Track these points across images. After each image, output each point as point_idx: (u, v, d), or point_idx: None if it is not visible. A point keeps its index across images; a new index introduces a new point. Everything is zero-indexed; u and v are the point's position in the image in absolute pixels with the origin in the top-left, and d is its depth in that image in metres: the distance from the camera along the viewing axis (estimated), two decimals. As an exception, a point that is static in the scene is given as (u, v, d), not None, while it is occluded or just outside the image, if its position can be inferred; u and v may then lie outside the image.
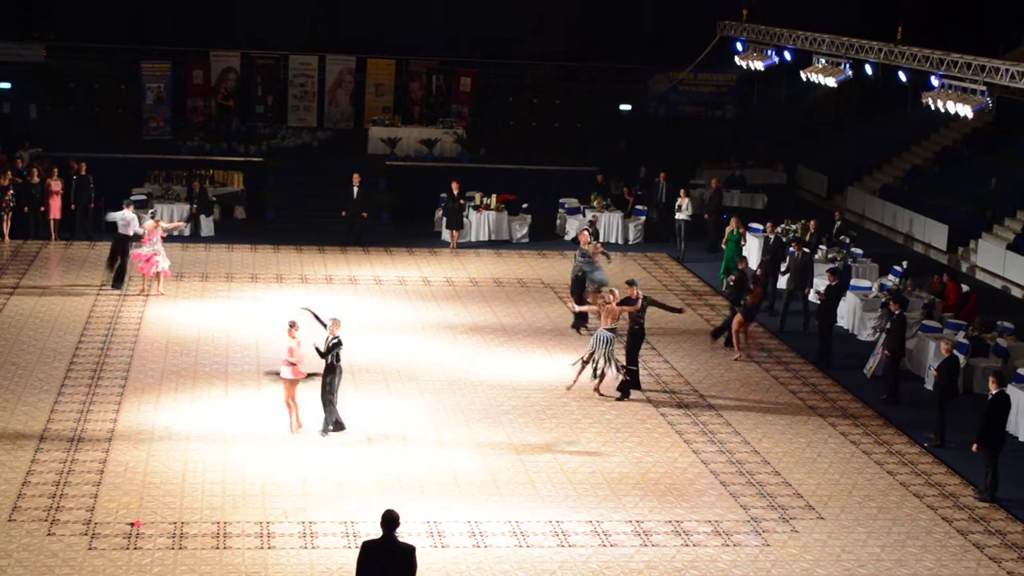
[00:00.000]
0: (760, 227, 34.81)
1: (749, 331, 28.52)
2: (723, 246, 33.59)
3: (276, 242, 36.53)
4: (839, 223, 35.79)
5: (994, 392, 21.36)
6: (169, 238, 35.54)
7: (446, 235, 37.63)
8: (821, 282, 31.66)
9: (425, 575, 16.96)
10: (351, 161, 39.59)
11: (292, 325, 22.12)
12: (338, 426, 22.36)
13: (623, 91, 47.99)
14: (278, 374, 22.37)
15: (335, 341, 21.98)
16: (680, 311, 27.85)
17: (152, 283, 30.87)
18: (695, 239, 37.31)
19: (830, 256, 33.63)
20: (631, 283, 25.93)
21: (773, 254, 32.28)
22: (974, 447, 21.25)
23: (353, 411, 23.49)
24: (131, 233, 30.79)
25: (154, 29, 46.04)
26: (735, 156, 46.45)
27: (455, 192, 36.96)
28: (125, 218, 30.90)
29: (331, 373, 22.04)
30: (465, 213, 37.74)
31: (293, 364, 22.04)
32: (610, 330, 24.94)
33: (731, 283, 29.49)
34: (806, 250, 31.23)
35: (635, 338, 25.50)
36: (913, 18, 36.01)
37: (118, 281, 30.88)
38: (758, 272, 31.34)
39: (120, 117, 43.04)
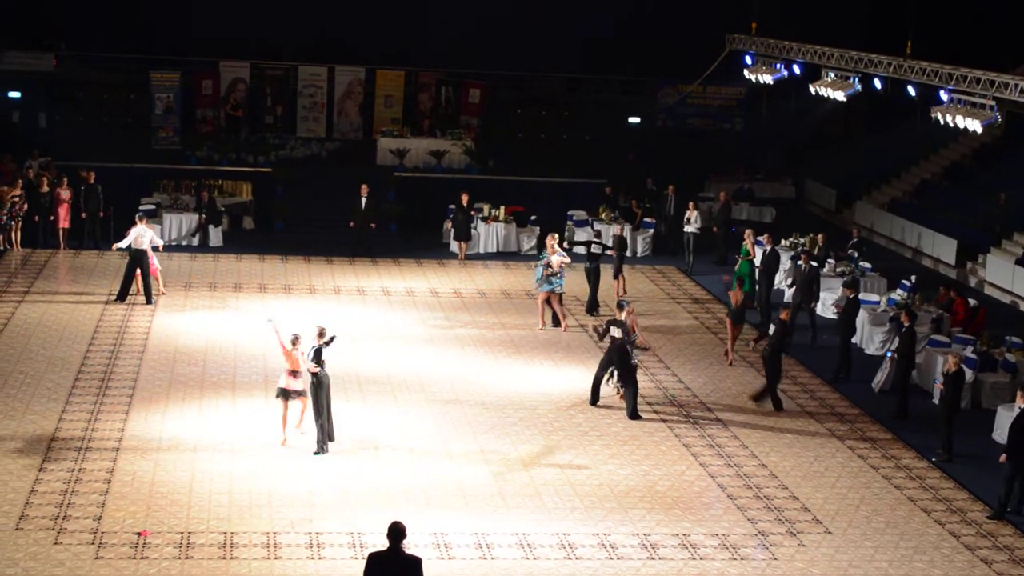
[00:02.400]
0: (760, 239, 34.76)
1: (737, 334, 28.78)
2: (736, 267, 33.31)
3: (284, 252, 36.56)
4: (855, 240, 35.72)
5: (1022, 406, 21.27)
6: (178, 247, 35.68)
7: (454, 246, 37.65)
8: (829, 296, 31.69)
9: (432, 587, 16.94)
10: (360, 172, 39.63)
11: (295, 340, 22.02)
12: (324, 442, 21.97)
13: (632, 104, 48.05)
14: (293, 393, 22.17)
15: (315, 349, 21.92)
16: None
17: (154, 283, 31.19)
18: (703, 252, 37.34)
19: (838, 270, 33.62)
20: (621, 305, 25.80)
21: (767, 265, 32.27)
22: (1002, 458, 21.08)
23: (360, 422, 23.54)
24: (145, 247, 30.61)
25: (163, 39, 46.11)
26: (744, 169, 46.47)
27: (464, 204, 36.99)
28: (141, 233, 30.67)
29: (316, 385, 21.91)
30: (473, 225, 37.77)
31: (296, 375, 21.99)
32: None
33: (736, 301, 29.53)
34: (813, 263, 31.19)
35: (611, 352, 25.03)
36: (922, 32, 35.94)
37: (124, 295, 30.84)
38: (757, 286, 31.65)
39: (129, 127, 43.15)
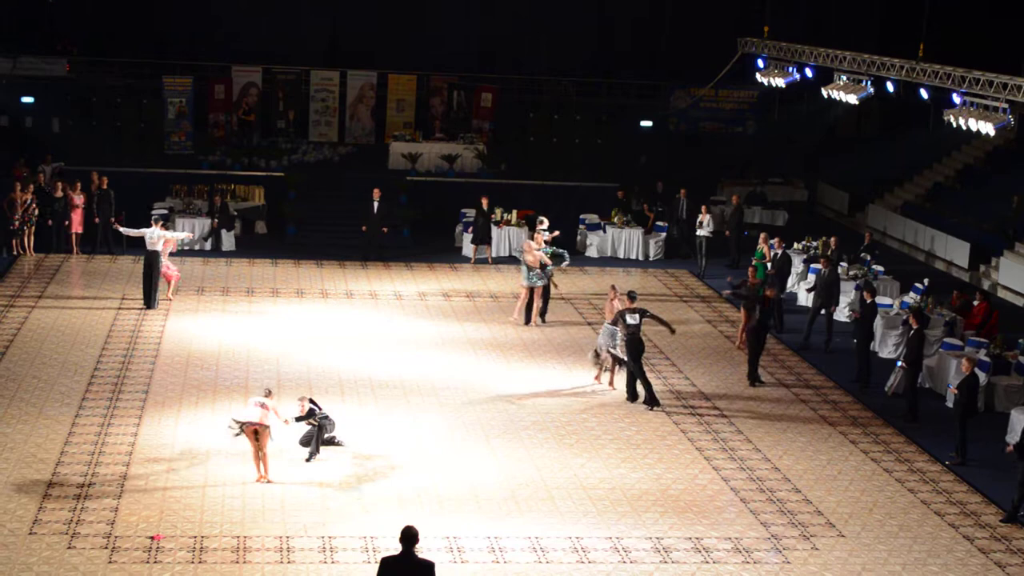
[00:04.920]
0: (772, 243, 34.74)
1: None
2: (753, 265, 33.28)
3: (297, 257, 36.60)
4: (868, 243, 35.64)
5: None
6: (191, 251, 35.72)
7: (467, 250, 37.63)
8: (842, 299, 31.63)
9: (444, 591, 16.96)
10: (372, 176, 39.64)
11: (268, 393, 21.49)
12: (313, 453, 21.92)
13: (644, 107, 47.99)
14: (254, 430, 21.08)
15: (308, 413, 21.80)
16: (671, 330, 27.45)
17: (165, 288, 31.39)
18: (716, 255, 37.30)
19: (851, 273, 33.58)
20: (632, 296, 26.52)
21: (779, 269, 32.21)
22: (1008, 447, 20.93)
23: (373, 426, 23.56)
24: (159, 248, 30.74)
25: (176, 44, 46.21)
26: (756, 173, 46.41)
27: (484, 207, 36.98)
28: (153, 235, 30.82)
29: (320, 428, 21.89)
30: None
31: (263, 426, 20.96)
32: (612, 324, 26.02)
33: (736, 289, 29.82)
34: (835, 267, 31.16)
35: (630, 347, 25.65)
36: (934, 35, 35.85)
37: (150, 299, 30.86)
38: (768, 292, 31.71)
39: (142, 131, 43.18)
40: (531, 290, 30.72)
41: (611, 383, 26.51)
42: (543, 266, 30.51)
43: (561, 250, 31.31)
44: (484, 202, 37.04)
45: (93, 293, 32.04)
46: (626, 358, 25.63)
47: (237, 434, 21.07)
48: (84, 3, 46.38)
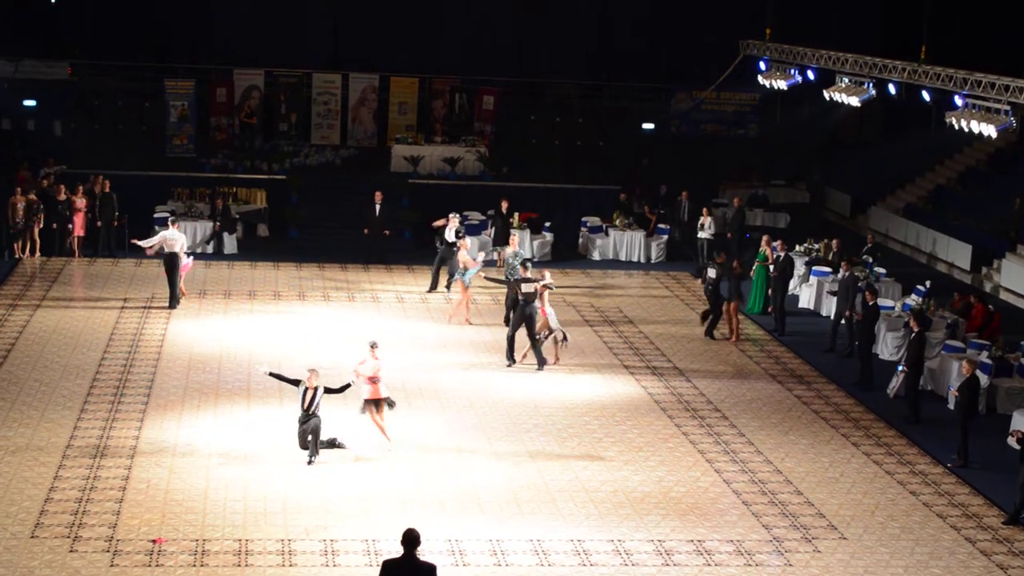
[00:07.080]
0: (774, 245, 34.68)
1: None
2: (752, 273, 33.26)
3: (298, 260, 36.61)
4: (870, 245, 35.63)
5: None
6: (193, 255, 35.68)
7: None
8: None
9: (446, 593, 16.95)
10: (374, 179, 39.65)
11: (374, 345, 22.69)
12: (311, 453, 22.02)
13: (646, 110, 47.97)
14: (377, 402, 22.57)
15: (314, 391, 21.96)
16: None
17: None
18: (717, 258, 37.27)
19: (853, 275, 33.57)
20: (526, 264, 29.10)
21: (782, 271, 32.21)
22: (1011, 439, 20.94)
23: (375, 428, 23.52)
24: (176, 250, 30.84)
25: (178, 47, 46.25)
26: (758, 175, 46.39)
27: (504, 210, 36.96)
28: (172, 237, 30.92)
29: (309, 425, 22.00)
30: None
31: (376, 382, 22.44)
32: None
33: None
34: (856, 273, 31.13)
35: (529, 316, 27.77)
36: (936, 37, 35.85)
37: (173, 299, 31.01)
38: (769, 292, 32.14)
39: (144, 135, 43.21)
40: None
41: (556, 358, 28.09)
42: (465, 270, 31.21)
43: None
44: (504, 204, 37.03)
45: (95, 296, 32.06)
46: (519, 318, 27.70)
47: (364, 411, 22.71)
48: (86, 6, 46.39)
